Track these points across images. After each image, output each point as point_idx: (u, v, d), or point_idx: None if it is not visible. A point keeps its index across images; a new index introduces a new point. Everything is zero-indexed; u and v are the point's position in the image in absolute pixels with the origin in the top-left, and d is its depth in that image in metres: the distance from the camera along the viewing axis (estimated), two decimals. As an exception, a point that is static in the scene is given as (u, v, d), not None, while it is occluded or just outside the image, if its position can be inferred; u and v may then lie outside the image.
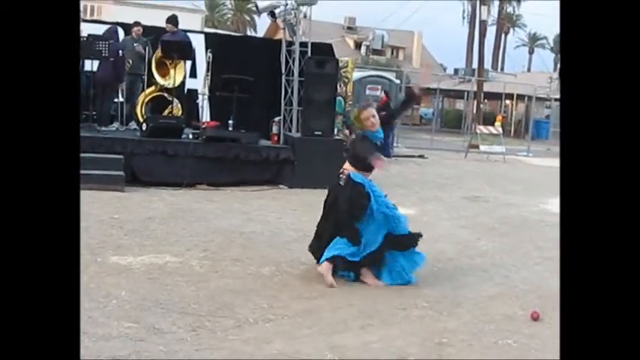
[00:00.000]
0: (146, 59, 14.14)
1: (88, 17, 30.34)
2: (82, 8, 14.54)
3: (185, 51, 13.98)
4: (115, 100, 14.18)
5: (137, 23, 14.50)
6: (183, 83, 14.47)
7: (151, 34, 14.53)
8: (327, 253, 6.99)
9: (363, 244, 6.98)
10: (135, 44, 14.08)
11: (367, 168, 7.10)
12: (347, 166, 7.19)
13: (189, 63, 14.87)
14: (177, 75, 13.70)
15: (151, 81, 13.96)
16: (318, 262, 7.20)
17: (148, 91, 13.93)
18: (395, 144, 24.84)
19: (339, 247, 6.97)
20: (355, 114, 7.40)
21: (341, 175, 7.17)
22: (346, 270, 7.10)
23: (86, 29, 13.36)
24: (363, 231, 6.98)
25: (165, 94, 13.89)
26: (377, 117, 7.22)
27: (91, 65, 13.29)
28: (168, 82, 13.73)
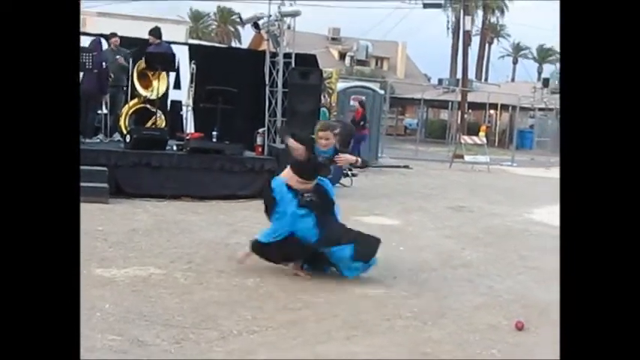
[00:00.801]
0: (129, 71, 14.12)
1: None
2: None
3: (169, 62, 13.97)
4: (99, 112, 14.15)
5: (114, 34, 14.49)
6: (166, 94, 14.45)
7: (134, 45, 14.52)
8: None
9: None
10: (117, 56, 14.06)
11: (307, 176, 7.57)
12: (286, 171, 7.70)
13: (172, 74, 14.86)
14: (159, 86, 13.68)
15: (134, 93, 13.94)
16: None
17: (131, 103, 13.91)
18: (380, 154, 24.86)
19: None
20: (316, 128, 7.65)
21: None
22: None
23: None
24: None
25: (149, 106, 13.87)
26: (331, 140, 7.56)
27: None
28: (150, 94, 13.72)
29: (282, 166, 13.06)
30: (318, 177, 7.68)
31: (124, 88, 14.21)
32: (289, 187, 7.49)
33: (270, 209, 7.65)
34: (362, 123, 20.18)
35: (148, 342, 5.33)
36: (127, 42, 14.61)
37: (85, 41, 14.10)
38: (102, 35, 15.07)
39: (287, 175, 7.61)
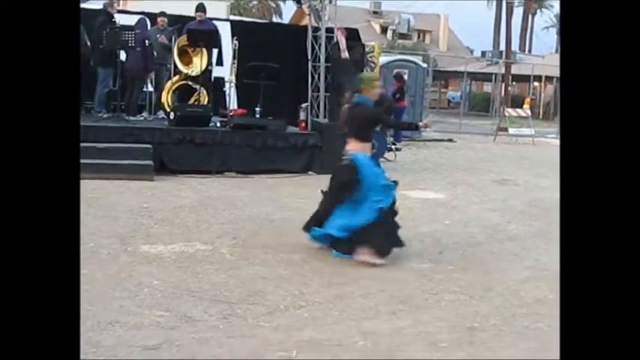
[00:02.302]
0: (171, 49, 14.15)
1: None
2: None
3: (211, 39, 13.95)
4: (144, 89, 14.21)
5: (162, 13, 14.51)
6: (209, 71, 14.43)
7: (177, 23, 14.53)
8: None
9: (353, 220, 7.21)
10: (157, 35, 14.10)
11: (368, 137, 7.56)
12: (352, 145, 7.46)
13: (215, 51, 14.85)
14: (200, 63, 13.68)
15: (176, 70, 13.98)
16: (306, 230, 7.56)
17: (173, 79, 13.94)
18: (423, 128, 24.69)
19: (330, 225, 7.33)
20: (370, 77, 7.57)
21: (344, 157, 7.47)
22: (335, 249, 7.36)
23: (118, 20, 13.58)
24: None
25: (191, 83, 13.88)
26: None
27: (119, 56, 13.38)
28: (191, 70, 13.72)
29: (326, 141, 13.12)
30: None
31: (168, 66, 14.24)
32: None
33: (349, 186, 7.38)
34: (398, 96, 20.04)
35: (196, 318, 5.37)
36: (170, 20, 14.62)
37: (127, 20, 14.17)
38: (145, 14, 15.10)
39: (357, 146, 7.46)
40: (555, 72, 40.26)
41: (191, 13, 14.43)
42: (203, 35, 13.77)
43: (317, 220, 7.54)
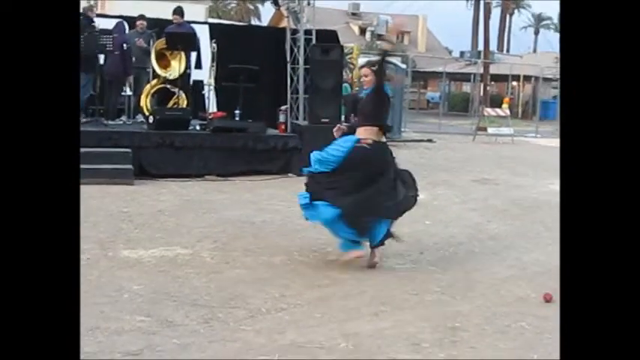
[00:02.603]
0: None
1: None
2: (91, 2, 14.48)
3: (190, 42, 13.92)
4: (123, 93, 14.16)
5: (141, 17, 14.46)
6: (187, 74, 14.39)
7: (155, 26, 14.48)
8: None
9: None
10: (136, 38, 14.05)
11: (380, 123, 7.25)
12: (363, 134, 7.18)
13: (193, 54, 14.82)
14: (178, 66, 13.65)
15: (155, 73, 13.93)
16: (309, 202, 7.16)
17: (152, 83, 13.89)
18: (402, 128, 24.75)
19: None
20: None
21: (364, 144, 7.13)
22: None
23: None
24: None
25: (169, 86, 13.84)
26: (370, 77, 7.26)
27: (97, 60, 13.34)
28: (170, 74, 13.68)
29: (306, 143, 13.11)
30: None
31: (148, 70, 14.19)
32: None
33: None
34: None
35: (177, 322, 5.35)
36: (149, 23, 14.56)
37: (105, 24, 14.10)
38: (123, 17, 15.04)
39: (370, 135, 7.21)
40: (533, 71, 40.46)
41: (170, 16, 14.39)
42: (181, 38, 13.74)
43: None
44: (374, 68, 7.26)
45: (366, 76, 7.29)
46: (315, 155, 7.24)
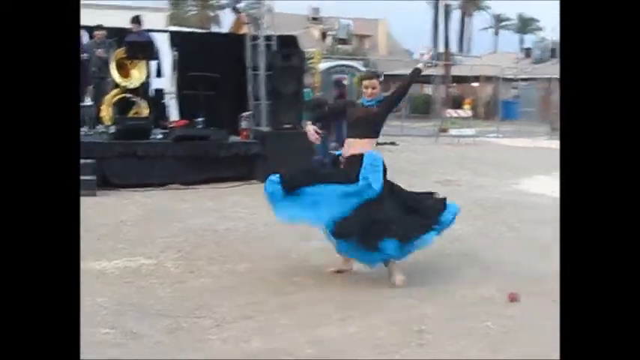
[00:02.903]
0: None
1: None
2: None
3: (149, 51, 13.87)
4: (83, 104, 14.04)
5: (99, 27, 14.38)
6: (147, 83, 14.33)
7: (114, 36, 14.39)
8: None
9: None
10: (95, 48, 13.95)
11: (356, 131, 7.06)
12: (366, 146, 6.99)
13: (154, 62, 14.74)
14: (139, 75, 13.58)
15: (116, 83, 13.83)
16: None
17: (112, 93, 13.79)
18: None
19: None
20: (357, 78, 7.29)
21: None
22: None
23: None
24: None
25: (130, 95, 13.76)
26: (377, 89, 7.11)
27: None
28: (130, 83, 13.60)
29: (269, 149, 13.10)
30: None
31: (108, 80, 14.09)
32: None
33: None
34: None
35: (142, 333, 5.31)
36: (109, 33, 14.46)
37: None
38: (83, 27, 14.92)
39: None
40: (494, 72, 40.75)
41: (128, 25, 14.31)
42: (140, 47, 13.67)
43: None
44: (381, 80, 7.23)
45: (374, 87, 7.11)
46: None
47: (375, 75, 7.33)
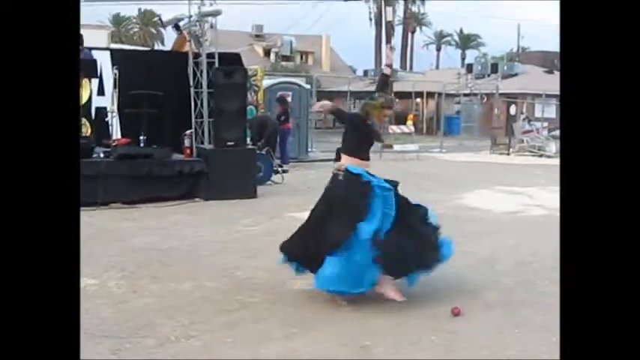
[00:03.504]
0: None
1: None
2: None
3: (90, 69, 13.74)
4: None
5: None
6: (90, 101, 14.21)
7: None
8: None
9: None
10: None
11: (365, 151, 6.98)
12: (344, 159, 6.89)
13: (95, 81, 14.61)
14: (83, 93, 13.44)
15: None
16: (310, 271, 6.80)
17: (54, 112, 13.63)
18: (310, 148, 24.84)
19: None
20: (378, 104, 6.97)
21: (338, 171, 6.86)
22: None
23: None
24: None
25: (73, 114, 13.62)
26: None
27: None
28: (74, 102, 13.46)
29: (212, 166, 13.06)
30: None
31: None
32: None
33: (360, 198, 6.66)
34: (283, 118, 20.18)
35: (85, 355, 5.22)
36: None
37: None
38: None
39: (350, 162, 6.87)
40: (436, 87, 41.14)
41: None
42: (82, 65, 13.52)
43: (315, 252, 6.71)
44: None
45: (385, 115, 7.17)
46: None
47: (392, 103, 7.29)
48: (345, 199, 6.68)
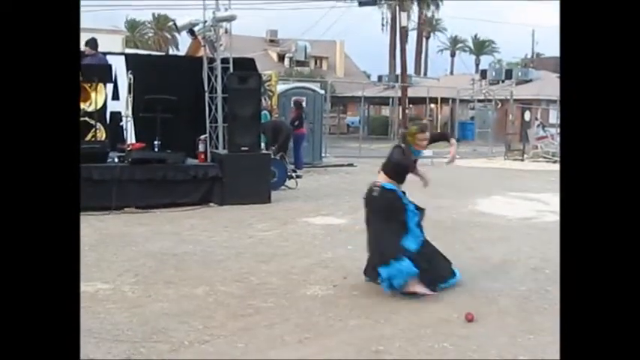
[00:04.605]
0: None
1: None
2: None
3: (105, 74, 13.81)
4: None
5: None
6: (105, 106, 14.27)
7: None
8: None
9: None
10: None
11: (401, 179, 7.69)
12: (381, 177, 7.59)
13: (110, 85, 14.67)
14: (97, 98, 13.50)
15: (73, 106, 13.69)
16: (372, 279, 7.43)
17: (70, 117, 13.66)
18: (323, 154, 24.85)
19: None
20: (412, 131, 7.59)
21: (375, 187, 7.57)
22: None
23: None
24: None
25: (88, 119, 13.66)
26: (427, 140, 7.76)
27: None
28: (89, 106, 13.51)
29: (226, 172, 13.09)
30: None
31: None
32: None
33: (398, 211, 7.56)
34: (297, 123, 20.17)
35: (99, 359, 5.26)
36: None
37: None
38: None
39: (387, 181, 7.62)
40: (450, 93, 41.10)
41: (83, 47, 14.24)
42: (97, 70, 13.62)
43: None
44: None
45: (424, 140, 7.72)
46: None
47: (427, 128, 7.81)
48: (384, 214, 7.55)
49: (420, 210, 7.75)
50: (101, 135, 13.65)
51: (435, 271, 7.35)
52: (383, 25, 59.40)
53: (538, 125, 31.19)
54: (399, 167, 7.59)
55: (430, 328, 6.13)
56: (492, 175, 21.55)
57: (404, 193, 7.67)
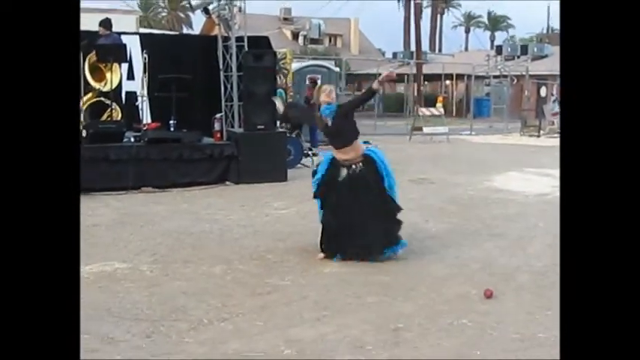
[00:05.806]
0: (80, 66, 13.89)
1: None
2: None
3: (120, 53, 13.78)
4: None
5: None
6: (120, 86, 14.25)
7: (84, 38, 14.28)
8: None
9: None
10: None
11: (333, 142, 8.01)
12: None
13: (125, 65, 14.65)
14: (113, 78, 13.49)
15: (87, 87, 13.69)
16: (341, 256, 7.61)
17: (85, 97, 13.67)
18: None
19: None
20: (317, 90, 7.98)
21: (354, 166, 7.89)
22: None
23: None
24: None
25: (103, 99, 13.66)
26: (333, 95, 7.82)
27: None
28: (104, 86, 13.50)
29: (242, 150, 13.09)
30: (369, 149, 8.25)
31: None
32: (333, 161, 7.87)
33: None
34: (311, 101, 20.10)
35: (118, 338, 5.29)
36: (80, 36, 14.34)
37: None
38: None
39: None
40: (465, 70, 40.91)
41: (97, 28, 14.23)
42: (111, 50, 13.59)
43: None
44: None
45: (326, 90, 7.86)
46: None
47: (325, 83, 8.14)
48: None
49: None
50: (117, 115, 13.64)
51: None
52: (398, 1, 59.22)
53: (554, 101, 30.95)
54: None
55: (448, 305, 6.13)
56: (508, 152, 21.47)
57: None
